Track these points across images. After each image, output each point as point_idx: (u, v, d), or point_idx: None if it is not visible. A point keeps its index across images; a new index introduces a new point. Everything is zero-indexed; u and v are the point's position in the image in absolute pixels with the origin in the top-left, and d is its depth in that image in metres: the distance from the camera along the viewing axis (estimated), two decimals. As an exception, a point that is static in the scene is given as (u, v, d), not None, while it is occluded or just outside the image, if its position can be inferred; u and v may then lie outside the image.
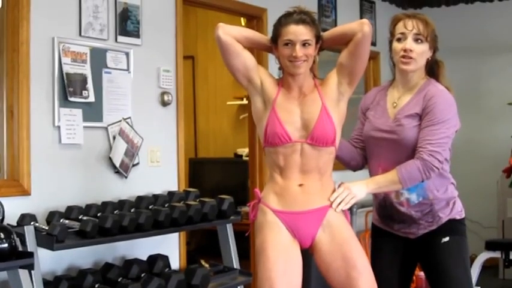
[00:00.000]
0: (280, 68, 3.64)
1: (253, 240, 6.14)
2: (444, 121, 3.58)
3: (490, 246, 7.12)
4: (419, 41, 3.65)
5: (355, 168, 3.97)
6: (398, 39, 3.68)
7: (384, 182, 3.59)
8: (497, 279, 8.05)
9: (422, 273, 6.87)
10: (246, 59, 3.59)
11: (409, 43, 3.64)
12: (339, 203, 3.53)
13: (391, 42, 3.76)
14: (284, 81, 3.61)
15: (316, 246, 3.55)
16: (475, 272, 7.05)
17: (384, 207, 3.78)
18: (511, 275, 7.83)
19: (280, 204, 3.55)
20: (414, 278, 6.90)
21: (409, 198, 3.69)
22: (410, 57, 3.65)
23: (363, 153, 3.92)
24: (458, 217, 3.76)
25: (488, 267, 7.63)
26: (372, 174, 3.82)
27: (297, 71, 3.51)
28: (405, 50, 3.64)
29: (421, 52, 3.66)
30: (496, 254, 7.09)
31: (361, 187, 3.57)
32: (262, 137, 3.59)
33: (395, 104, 3.75)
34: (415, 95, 3.69)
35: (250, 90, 3.65)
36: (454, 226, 3.73)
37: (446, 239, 3.68)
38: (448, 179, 3.74)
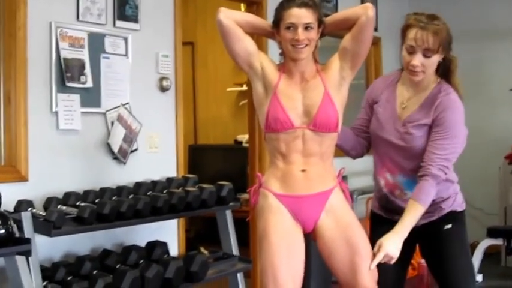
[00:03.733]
0: (281, 54, 3.60)
1: (253, 227, 6.12)
2: (455, 136, 3.56)
3: (492, 233, 7.10)
4: (429, 55, 3.56)
5: (354, 157, 3.95)
6: (407, 49, 3.60)
7: (412, 220, 3.53)
8: (499, 266, 8.02)
9: (423, 261, 6.86)
10: (247, 44, 3.55)
11: (418, 59, 3.55)
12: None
13: (401, 45, 3.67)
14: (285, 66, 3.57)
15: (318, 231, 3.51)
16: (476, 259, 7.03)
17: (387, 202, 3.76)
18: (513, 262, 7.82)
19: (282, 188, 3.51)
20: (417, 265, 6.91)
21: None
22: (418, 72, 3.58)
23: (364, 142, 3.88)
24: (459, 209, 3.76)
25: (490, 255, 7.60)
26: (376, 170, 3.79)
27: (299, 55, 3.47)
28: (413, 66, 3.57)
29: (430, 65, 3.58)
30: (498, 241, 7.06)
31: (396, 242, 3.49)
32: (263, 123, 3.54)
33: (404, 106, 3.70)
34: (426, 103, 3.63)
35: (251, 76, 3.61)
36: (454, 216, 3.72)
37: (449, 226, 3.67)
38: (452, 176, 3.71)
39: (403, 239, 3.50)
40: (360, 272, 3.42)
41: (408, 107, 3.68)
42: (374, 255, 3.46)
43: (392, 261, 3.49)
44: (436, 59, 3.58)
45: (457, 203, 3.75)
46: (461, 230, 3.69)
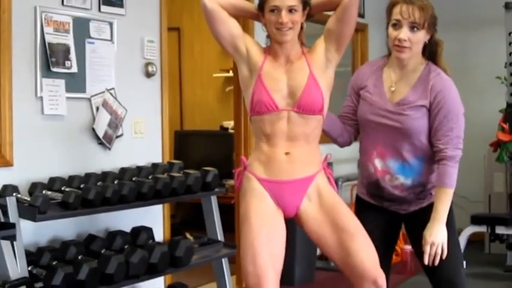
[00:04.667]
0: (267, 36, 3.60)
1: (238, 211, 6.12)
2: (457, 114, 3.62)
3: (476, 220, 7.13)
4: (415, 29, 3.57)
5: (342, 145, 3.94)
6: (394, 25, 3.61)
7: (445, 206, 3.60)
8: (483, 253, 8.05)
9: (407, 247, 6.90)
10: (232, 26, 3.55)
11: (404, 32, 3.57)
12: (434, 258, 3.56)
13: (387, 25, 3.69)
14: (271, 49, 3.58)
15: (302, 217, 3.53)
16: (461, 245, 7.05)
17: (376, 188, 3.76)
18: (497, 249, 7.82)
19: (265, 172, 3.53)
20: (399, 250, 6.93)
21: (404, 183, 3.68)
22: (405, 46, 3.59)
23: (351, 130, 3.88)
24: None
25: (474, 242, 7.64)
26: (364, 156, 3.79)
27: (283, 38, 3.47)
28: (399, 40, 3.58)
29: (416, 41, 3.59)
30: (482, 228, 7.10)
31: (439, 231, 3.56)
32: (248, 105, 3.55)
33: (392, 89, 3.70)
34: (418, 85, 3.65)
35: (236, 59, 3.61)
36: None
37: None
38: None
39: (443, 225, 3.56)
40: (352, 250, 3.43)
41: (398, 90, 3.68)
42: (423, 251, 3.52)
43: (443, 247, 3.54)
44: (422, 35, 3.60)
45: None
46: (450, 217, 3.71)
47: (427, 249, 3.55)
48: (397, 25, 3.59)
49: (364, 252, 3.44)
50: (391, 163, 3.68)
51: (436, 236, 3.54)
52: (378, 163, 3.71)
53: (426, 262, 3.55)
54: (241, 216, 3.54)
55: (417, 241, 3.71)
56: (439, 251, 3.54)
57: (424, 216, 3.67)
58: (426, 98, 3.60)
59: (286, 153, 3.51)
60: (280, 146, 3.51)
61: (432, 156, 3.66)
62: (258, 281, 3.37)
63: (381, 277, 3.44)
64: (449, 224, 3.67)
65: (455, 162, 3.60)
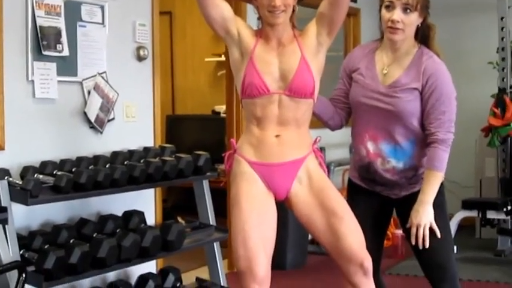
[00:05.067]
0: (259, 19, 3.59)
1: (229, 194, 6.13)
2: (450, 97, 3.64)
3: (467, 205, 7.15)
4: (408, 10, 3.57)
5: (333, 128, 3.94)
6: (387, 7, 3.61)
7: (432, 188, 3.62)
8: (473, 238, 8.09)
9: (398, 231, 6.92)
10: (224, 9, 3.54)
11: (397, 14, 3.57)
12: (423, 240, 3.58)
13: (380, 7, 3.68)
14: (263, 32, 3.56)
15: (292, 199, 3.53)
16: (452, 230, 7.06)
17: (367, 171, 3.76)
18: (488, 234, 7.85)
19: (255, 155, 3.52)
20: (390, 235, 6.95)
21: (395, 166, 3.69)
22: (398, 28, 3.59)
23: (342, 113, 3.88)
24: None
25: (465, 227, 7.66)
26: (356, 139, 3.78)
27: (275, 21, 3.46)
28: (392, 21, 3.58)
29: (409, 23, 3.60)
30: (473, 213, 7.12)
31: (425, 213, 3.58)
32: (239, 88, 3.55)
33: (385, 71, 3.71)
34: (410, 67, 3.65)
35: (227, 42, 3.60)
36: None
37: None
38: None
39: (430, 207, 3.58)
40: (340, 233, 3.43)
41: (390, 73, 3.69)
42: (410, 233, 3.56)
43: (433, 226, 3.56)
44: (415, 18, 3.60)
45: None
46: (441, 201, 3.72)
47: (413, 230, 3.57)
48: (390, 7, 3.59)
49: (352, 236, 3.45)
50: (383, 146, 3.68)
51: (422, 218, 3.56)
52: (370, 146, 3.71)
53: (413, 243, 3.56)
54: (232, 200, 3.54)
55: (408, 219, 3.72)
56: (426, 232, 3.56)
57: (415, 200, 3.68)
58: (419, 80, 3.61)
59: (277, 136, 3.51)
60: (270, 129, 3.51)
61: (424, 140, 3.66)
62: (249, 264, 3.37)
63: (367, 260, 3.45)
64: (441, 208, 3.68)
65: (446, 146, 3.62)
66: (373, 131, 3.69)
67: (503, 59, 7.46)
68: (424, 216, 3.57)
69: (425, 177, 3.62)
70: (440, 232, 3.65)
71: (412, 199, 3.70)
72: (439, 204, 3.68)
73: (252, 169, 3.52)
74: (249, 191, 3.48)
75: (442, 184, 3.74)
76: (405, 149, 3.67)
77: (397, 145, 3.66)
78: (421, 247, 3.58)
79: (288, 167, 3.51)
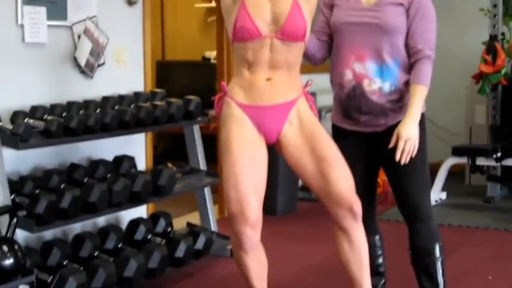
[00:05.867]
0: None
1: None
2: (432, 18, 3.72)
3: (457, 152, 7.17)
4: None
5: (320, 61, 3.92)
6: None
7: (420, 102, 3.66)
8: (463, 185, 8.12)
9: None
10: None
11: None
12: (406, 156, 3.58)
13: None
14: None
15: (282, 142, 3.53)
16: (441, 177, 7.12)
17: (353, 97, 3.74)
18: (477, 180, 7.87)
19: (246, 98, 3.51)
20: (381, 182, 6.96)
21: (381, 87, 3.69)
22: None
23: (326, 45, 3.88)
24: (422, 110, 3.77)
25: (455, 173, 7.69)
26: (341, 65, 3.76)
27: None
28: None
29: None
30: (463, 160, 7.15)
31: (411, 127, 3.60)
32: (231, 32, 3.52)
33: None
34: None
35: None
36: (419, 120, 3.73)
37: None
38: None
39: (417, 121, 3.61)
40: (330, 178, 3.45)
41: None
42: (396, 147, 3.55)
43: (415, 145, 3.57)
44: None
45: None
46: (422, 137, 3.73)
47: (401, 144, 3.56)
48: None
49: (341, 180, 3.47)
50: (369, 65, 3.69)
51: (410, 132, 3.58)
52: (356, 67, 3.71)
53: (398, 158, 3.56)
54: (222, 143, 3.55)
55: (390, 161, 3.71)
56: (412, 148, 3.58)
57: None
58: None
59: (268, 79, 3.49)
60: (261, 73, 3.49)
61: (407, 64, 3.71)
62: (240, 207, 3.39)
63: (356, 204, 3.48)
64: (421, 145, 3.71)
65: (431, 62, 3.68)
66: (359, 51, 3.70)
67: (494, 6, 7.41)
68: (412, 131, 3.59)
69: (412, 92, 3.66)
70: (418, 170, 3.74)
71: (392, 132, 3.70)
72: (421, 140, 3.70)
73: (243, 112, 3.50)
74: (239, 134, 3.48)
75: (424, 117, 3.79)
76: (391, 68, 3.69)
77: (383, 64, 3.68)
78: (403, 162, 3.58)
79: (279, 109, 3.50)
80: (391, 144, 3.59)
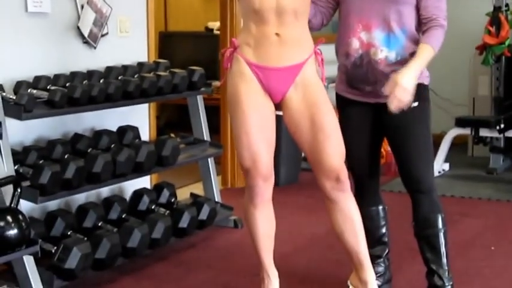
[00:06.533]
0: None
1: (224, 113, 6.15)
2: None
3: (460, 122, 7.17)
4: None
5: (315, 27, 3.86)
6: None
7: (425, 60, 3.62)
8: (466, 156, 8.12)
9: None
10: None
11: None
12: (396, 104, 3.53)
13: None
14: None
15: (285, 103, 3.56)
16: (444, 148, 7.12)
17: (360, 66, 3.72)
18: (480, 151, 7.88)
19: (254, 56, 3.51)
20: (384, 153, 6.96)
21: (387, 56, 3.67)
22: None
23: (324, 11, 3.84)
24: (426, 82, 3.78)
25: (458, 145, 7.70)
26: (348, 33, 3.73)
27: None
28: None
29: None
30: (466, 131, 7.15)
31: (410, 77, 3.53)
32: None
33: None
34: None
35: None
36: (422, 91, 3.73)
37: (415, 104, 3.66)
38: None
39: (416, 75, 3.56)
40: (324, 149, 3.48)
41: None
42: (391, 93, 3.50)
43: (408, 96, 3.51)
44: None
45: (425, 75, 3.78)
46: (426, 107, 3.76)
47: (397, 91, 3.50)
48: None
49: (334, 152, 3.51)
50: (377, 34, 3.66)
51: (407, 81, 3.51)
52: (363, 36, 3.68)
53: (393, 106, 3.51)
54: (230, 99, 3.58)
55: (394, 131, 3.77)
56: (406, 99, 3.52)
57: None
58: None
59: (277, 35, 3.46)
60: (269, 23, 3.45)
61: (415, 36, 3.69)
62: (253, 163, 3.49)
63: (343, 172, 3.52)
64: (424, 116, 3.75)
65: (443, 31, 3.67)
66: (367, 19, 3.67)
67: (499, -23, 7.39)
68: (409, 81, 3.51)
69: (419, 49, 3.62)
70: (421, 142, 3.74)
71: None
72: (424, 113, 3.73)
73: (251, 70, 3.51)
74: (247, 92, 3.51)
75: (428, 89, 3.80)
76: (398, 37, 3.66)
77: (390, 32, 3.65)
78: (396, 110, 3.53)
79: (285, 72, 3.50)
80: (386, 91, 3.53)
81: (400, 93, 3.50)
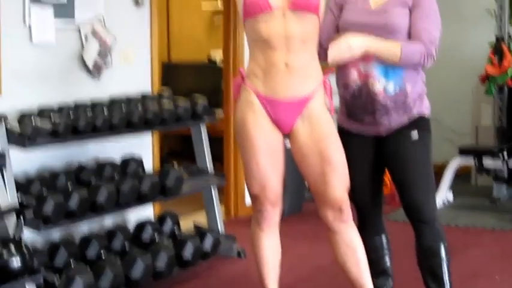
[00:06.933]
0: None
1: (228, 144, 6.14)
2: (435, 11, 3.69)
3: (464, 152, 7.16)
4: None
5: (324, 58, 3.88)
6: None
7: (384, 46, 3.60)
8: (469, 185, 8.11)
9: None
10: None
11: None
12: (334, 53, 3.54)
13: None
14: None
15: (293, 136, 3.57)
16: (448, 177, 7.11)
17: (359, 97, 3.73)
18: (483, 181, 7.87)
19: (263, 86, 3.52)
20: (388, 183, 6.96)
21: (385, 86, 3.66)
22: None
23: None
24: (426, 113, 3.80)
25: (461, 174, 7.68)
26: (345, 66, 3.71)
27: None
28: None
29: None
30: (469, 160, 7.14)
31: (361, 42, 3.55)
32: (241, 8, 3.51)
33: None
34: None
35: None
36: (423, 122, 3.76)
37: (416, 137, 3.71)
38: (421, 74, 3.77)
39: (368, 44, 3.56)
40: (330, 182, 3.50)
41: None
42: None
43: (348, 53, 3.53)
44: None
45: (425, 106, 3.80)
46: (428, 138, 3.77)
47: (341, 41, 3.54)
48: None
49: (339, 184, 3.53)
50: (374, 64, 3.66)
51: (356, 41, 3.55)
52: (362, 67, 3.69)
53: (330, 52, 3.53)
54: (239, 127, 3.60)
55: (395, 162, 3.80)
56: (345, 55, 3.54)
57: (405, 136, 3.73)
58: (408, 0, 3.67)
59: (285, 64, 3.46)
60: (277, 49, 3.45)
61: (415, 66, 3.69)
62: (262, 189, 3.57)
63: (345, 203, 3.55)
64: (427, 146, 3.76)
65: (425, 55, 3.61)
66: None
67: (501, 8, 7.41)
68: (359, 42, 3.54)
69: (389, 41, 3.61)
70: (422, 172, 3.75)
71: (400, 136, 3.74)
72: (425, 142, 3.74)
73: (259, 101, 3.53)
74: (256, 121, 3.53)
75: (429, 120, 3.81)
76: (396, 68, 3.66)
77: (388, 65, 3.65)
78: (332, 61, 3.56)
79: (293, 105, 3.51)
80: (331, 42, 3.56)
81: (343, 46, 3.53)
